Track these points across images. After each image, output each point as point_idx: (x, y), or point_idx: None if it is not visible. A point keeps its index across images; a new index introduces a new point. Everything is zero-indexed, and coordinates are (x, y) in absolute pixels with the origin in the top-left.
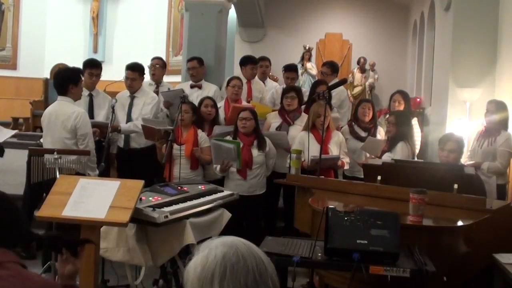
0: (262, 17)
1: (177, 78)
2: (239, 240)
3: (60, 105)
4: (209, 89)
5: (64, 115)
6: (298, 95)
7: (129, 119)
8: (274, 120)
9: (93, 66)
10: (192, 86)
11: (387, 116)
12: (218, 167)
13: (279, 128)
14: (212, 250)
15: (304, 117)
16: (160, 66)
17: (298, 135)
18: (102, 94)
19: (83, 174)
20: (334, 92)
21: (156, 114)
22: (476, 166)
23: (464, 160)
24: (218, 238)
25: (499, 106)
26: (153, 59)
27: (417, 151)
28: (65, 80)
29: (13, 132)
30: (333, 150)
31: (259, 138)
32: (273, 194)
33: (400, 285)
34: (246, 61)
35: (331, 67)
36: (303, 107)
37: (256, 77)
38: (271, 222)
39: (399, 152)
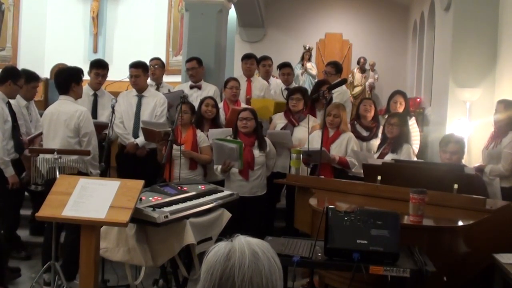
0: (262, 17)
1: (177, 78)
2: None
3: (62, 104)
4: (208, 89)
5: (67, 114)
6: (303, 96)
7: (137, 119)
8: (279, 121)
9: (100, 66)
10: (191, 87)
11: (386, 117)
12: (219, 167)
13: (284, 128)
14: (236, 253)
15: (309, 118)
16: (159, 66)
17: (312, 134)
18: (107, 94)
19: (85, 174)
20: (337, 92)
21: (167, 115)
22: (480, 168)
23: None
24: (249, 240)
25: (508, 105)
26: (152, 59)
27: (416, 150)
28: (67, 79)
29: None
30: (334, 149)
31: (260, 138)
32: (273, 194)
33: (400, 285)
34: (242, 58)
35: (335, 67)
36: None
37: (256, 75)
38: (271, 222)
39: (406, 154)
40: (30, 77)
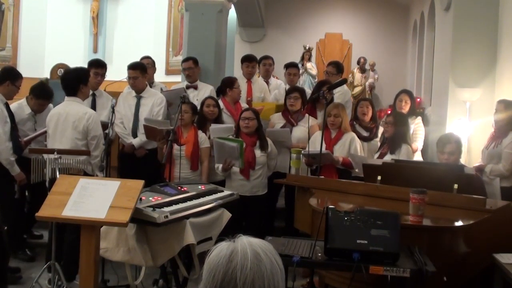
0: (262, 17)
1: (177, 78)
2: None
3: (69, 106)
4: (205, 89)
5: (75, 116)
6: (301, 96)
7: (136, 119)
8: (278, 121)
9: (99, 65)
10: (187, 87)
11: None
12: (220, 166)
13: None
14: (238, 254)
15: (307, 118)
16: (151, 65)
17: (314, 134)
18: (105, 94)
19: (91, 175)
20: (338, 93)
21: (164, 115)
22: (480, 168)
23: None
24: (252, 240)
25: (508, 106)
26: (143, 58)
27: (420, 147)
28: (76, 80)
29: (42, 130)
30: (337, 150)
31: (261, 138)
32: (273, 194)
33: (400, 285)
34: (243, 60)
35: (336, 67)
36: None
37: (256, 76)
38: (271, 222)
39: (405, 155)
40: (41, 94)
